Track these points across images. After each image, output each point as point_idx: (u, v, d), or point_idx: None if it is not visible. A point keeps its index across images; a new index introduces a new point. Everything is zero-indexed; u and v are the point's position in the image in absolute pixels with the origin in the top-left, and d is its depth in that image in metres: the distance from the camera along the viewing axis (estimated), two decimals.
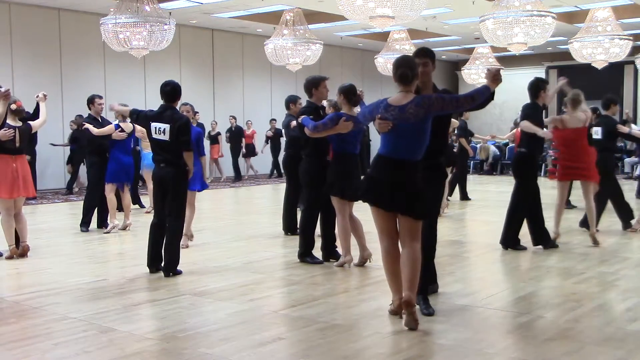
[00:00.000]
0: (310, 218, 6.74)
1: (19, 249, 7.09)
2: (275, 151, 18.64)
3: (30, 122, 7.24)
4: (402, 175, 4.39)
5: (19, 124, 7.03)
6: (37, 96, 7.43)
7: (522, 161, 7.30)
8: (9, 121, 6.95)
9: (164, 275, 6.15)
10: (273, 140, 18.53)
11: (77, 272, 6.42)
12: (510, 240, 7.38)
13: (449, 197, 11.25)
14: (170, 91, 6.25)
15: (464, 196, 12.44)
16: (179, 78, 17.94)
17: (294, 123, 7.96)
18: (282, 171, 9.34)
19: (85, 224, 9.03)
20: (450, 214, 10.42)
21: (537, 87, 7.22)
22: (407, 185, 4.39)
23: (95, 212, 9.17)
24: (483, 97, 4.48)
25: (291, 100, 8.60)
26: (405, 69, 4.41)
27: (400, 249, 4.50)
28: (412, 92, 4.44)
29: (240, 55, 19.53)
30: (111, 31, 11.28)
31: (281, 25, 14.38)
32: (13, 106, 6.97)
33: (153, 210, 6.55)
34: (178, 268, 6.22)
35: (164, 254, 6.21)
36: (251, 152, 18.56)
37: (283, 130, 9.33)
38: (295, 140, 8.70)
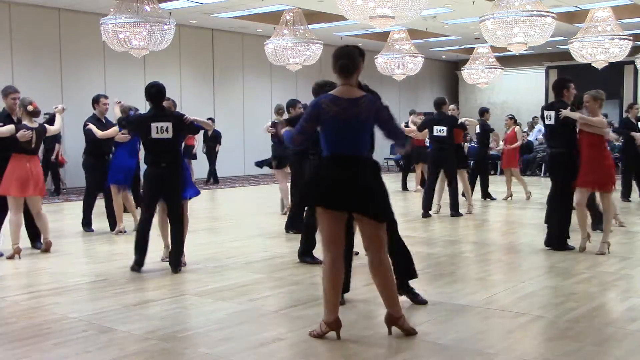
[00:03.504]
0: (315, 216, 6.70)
1: (42, 246, 7.34)
2: (211, 157, 17.06)
3: (45, 125, 7.45)
4: (352, 171, 4.10)
5: (35, 125, 7.18)
6: (56, 107, 7.71)
7: (562, 161, 7.18)
8: (26, 122, 7.11)
9: (173, 272, 6.24)
10: (211, 143, 16.91)
11: (77, 272, 6.42)
12: (561, 241, 7.28)
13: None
14: (157, 92, 6.32)
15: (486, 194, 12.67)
16: (179, 78, 17.96)
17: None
18: (289, 170, 9.36)
19: (87, 224, 9.02)
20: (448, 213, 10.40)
21: (560, 85, 7.24)
22: (359, 182, 4.10)
23: (106, 215, 9.15)
24: (397, 144, 4.51)
25: (291, 105, 9.20)
26: (345, 60, 4.20)
27: (368, 260, 4.26)
28: (355, 86, 4.25)
29: (240, 55, 19.53)
30: (111, 31, 11.28)
31: (281, 25, 14.38)
32: (30, 107, 7.10)
33: (142, 211, 6.53)
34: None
35: (172, 253, 6.34)
36: (191, 154, 16.12)
37: None
38: None
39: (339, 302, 4.28)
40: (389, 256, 4.30)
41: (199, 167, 17.12)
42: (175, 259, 6.32)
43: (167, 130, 6.22)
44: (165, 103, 6.53)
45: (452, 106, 11.34)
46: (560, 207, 7.24)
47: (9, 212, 7.18)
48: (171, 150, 6.30)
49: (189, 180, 6.77)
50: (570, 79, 7.41)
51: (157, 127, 6.21)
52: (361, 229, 4.25)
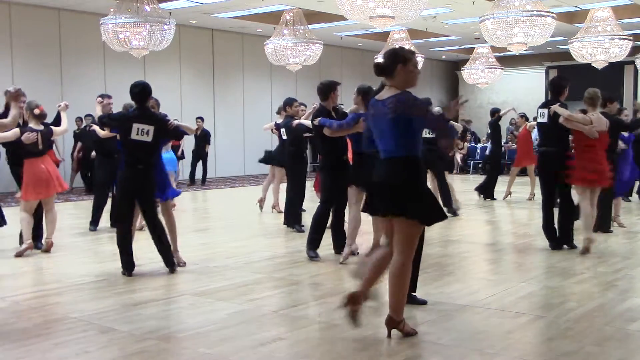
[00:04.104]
0: (325, 211, 6.87)
1: (43, 246, 7.40)
2: (201, 156, 16.87)
3: (52, 127, 7.49)
4: (384, 173, 4.14)
5: (41, 127, 7.27)
6: (59, 105, 7.74)
7: (553, 160, 7.17)
8: (32, 125, 7.22)
9: (170, 272, 6.22)
10: (201, 142, 16.72)
11: (77, 272, 6.42)
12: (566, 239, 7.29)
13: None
14: (139, 92, 6.20)
15: (490, 195, 12.62)
16: (179, 78, 17.97)
17: (295, 122, 8.35)
18: (286, 171, 9.44)
19: (93, 223, 9.03)
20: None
21: (561, 84, 7.23)
22: (389, 184, 4.11)
23: (109, 211, 9.16)
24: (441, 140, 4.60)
25: (287, 103, 9.39)
26: (380, 61, 4.22)
27: (392, 260, 4.23)
28: (395, 86, 4.16)
29: (240, 55, 19.54)
30: (111, 31, 11.29)
31: (281, 25, 14.39)
32: (36, 111, 7.22)
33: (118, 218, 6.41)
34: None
35: (162, 255, 6.28)
36: (179, 155, 15.67)
37: (282, 130, 9.45)
38: (297, 139, 8.92)
39: (373, 283, 4.30)
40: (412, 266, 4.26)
41: (185, 168, 17.10)
42: (166, 258, 6.26)
43: (147, 133, 6.10)
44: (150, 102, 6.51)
45: (437, 108, 11.31)
46: (564, 207, 7.24)
47: (21, 211, 7.24)
48: (149, 153, 6.19)
49: (167, 182, 6.71)
50: (568, 79, 7.43)
51: (137, 129, 6.08)
52: (395, 229, 4.19)
